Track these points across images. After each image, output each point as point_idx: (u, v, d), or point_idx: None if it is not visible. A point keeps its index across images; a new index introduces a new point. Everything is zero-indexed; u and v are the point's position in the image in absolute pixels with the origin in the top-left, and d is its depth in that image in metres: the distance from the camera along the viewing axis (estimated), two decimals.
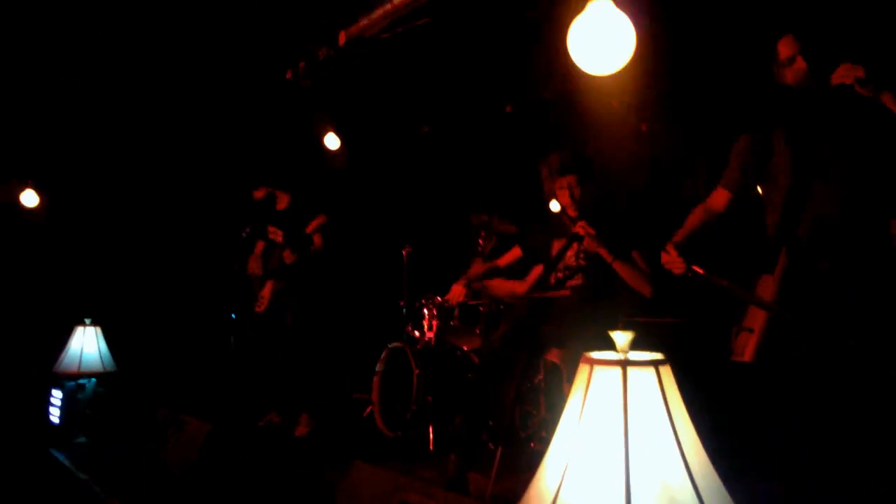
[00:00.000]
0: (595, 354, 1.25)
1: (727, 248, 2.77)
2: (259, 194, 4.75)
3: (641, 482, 1.11)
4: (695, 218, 2.62)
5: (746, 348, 2.29)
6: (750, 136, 2.54)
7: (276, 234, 4.76)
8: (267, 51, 4.93)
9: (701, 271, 2.30)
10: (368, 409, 4.69)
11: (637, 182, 5.58)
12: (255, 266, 4.87)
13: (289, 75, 4.96)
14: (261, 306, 4.76)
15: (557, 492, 1.16)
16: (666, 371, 1.20)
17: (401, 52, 4.69)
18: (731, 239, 2.86)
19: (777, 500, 2.22)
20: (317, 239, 4.66)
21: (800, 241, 2.32)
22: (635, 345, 1.25)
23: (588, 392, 1.19)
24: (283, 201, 4.80)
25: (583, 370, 1.23)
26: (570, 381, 3.03)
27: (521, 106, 5.96)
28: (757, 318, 2.30)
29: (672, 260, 2.38)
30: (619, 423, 1.15)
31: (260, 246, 4.86)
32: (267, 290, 4.74)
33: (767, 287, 2.31)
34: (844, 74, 2.16)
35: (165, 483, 2.59)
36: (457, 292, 3.47)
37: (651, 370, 1.18)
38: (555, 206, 4.49)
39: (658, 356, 1.21)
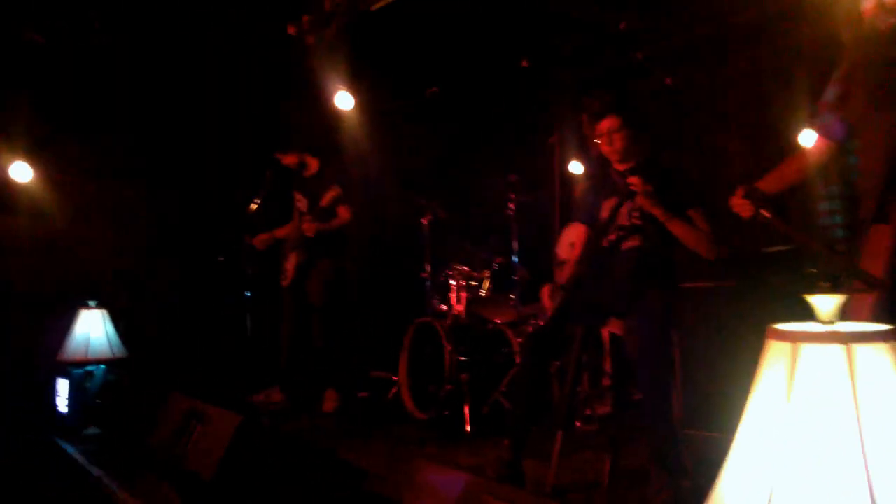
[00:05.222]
0: (796, 327, 0.93)
1: None
2: (290, 160, 4.43)
3: (888, 497, 0.80)
4: (785, 168, 2.33)
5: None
6: (846, 66, 2.20)
7: (302, 202, 4.48)
8: (268, 4, 4.53)
9: (768, 215, 2.13)
10: (394, 390, 4.41)
11: (667, 137, 5.25)
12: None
13: (291, 30, 4.56)
14: (286, 280, 4.51)
15: None
16: None
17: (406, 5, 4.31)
18: None
19: None
20: (342, 212, 4.35)
21: None
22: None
23: (795, 379, 0.88)
24: (312, 167, 4.49)
25: (779, 349, 0.91)
26: (635, 354, 2.71)
27: (538, 60, 5.59)
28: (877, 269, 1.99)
29: (740, 202, 2.18)
30: (848, 420, 0.83)
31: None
32: (290, 264, 4.47)
33: (884, 238, 2.00)
34: None
35: (191, 482, 2.30)
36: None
37: (884, 347, 0.86)
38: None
39: (888, 327, 0.90)
